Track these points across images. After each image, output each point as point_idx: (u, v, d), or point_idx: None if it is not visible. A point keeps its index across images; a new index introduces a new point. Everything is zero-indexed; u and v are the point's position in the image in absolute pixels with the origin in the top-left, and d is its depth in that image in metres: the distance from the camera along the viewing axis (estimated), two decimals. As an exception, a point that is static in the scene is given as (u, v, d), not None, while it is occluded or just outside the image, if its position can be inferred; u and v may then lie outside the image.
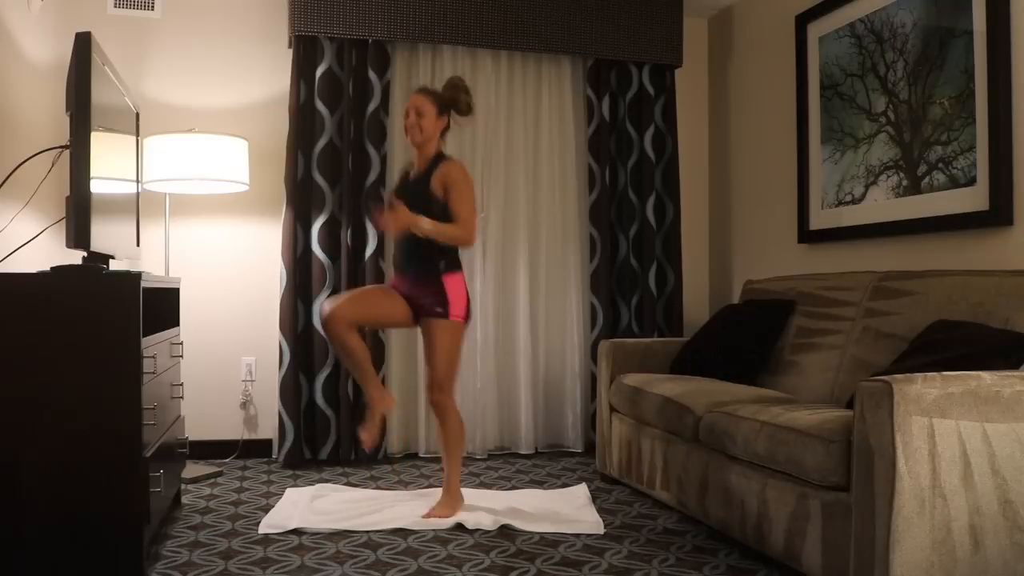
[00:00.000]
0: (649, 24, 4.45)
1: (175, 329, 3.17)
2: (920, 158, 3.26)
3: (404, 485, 3.62)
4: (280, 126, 4.21)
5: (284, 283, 3.95)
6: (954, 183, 3.09)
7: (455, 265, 3.10)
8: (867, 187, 3.55)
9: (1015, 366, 2.26)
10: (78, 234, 2.31)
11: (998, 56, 2.89)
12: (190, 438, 4.05)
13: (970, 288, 2.67)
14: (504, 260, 4.40)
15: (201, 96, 4.14)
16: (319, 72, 4.04)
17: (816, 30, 3.89)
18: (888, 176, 3.43)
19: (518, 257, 4.38)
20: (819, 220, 3.86)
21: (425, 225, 2.96)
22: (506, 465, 4.07)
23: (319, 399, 4.01)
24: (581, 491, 3.45)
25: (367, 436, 3.09)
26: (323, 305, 3.03)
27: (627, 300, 4.47)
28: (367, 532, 2.91)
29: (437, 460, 4.15)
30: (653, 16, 4.45)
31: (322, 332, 3.99)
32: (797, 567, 2.37)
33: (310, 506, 3.16)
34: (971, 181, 3.02)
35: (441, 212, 3.03)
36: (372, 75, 4.08)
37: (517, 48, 4.27)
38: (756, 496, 2.54)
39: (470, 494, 3.37)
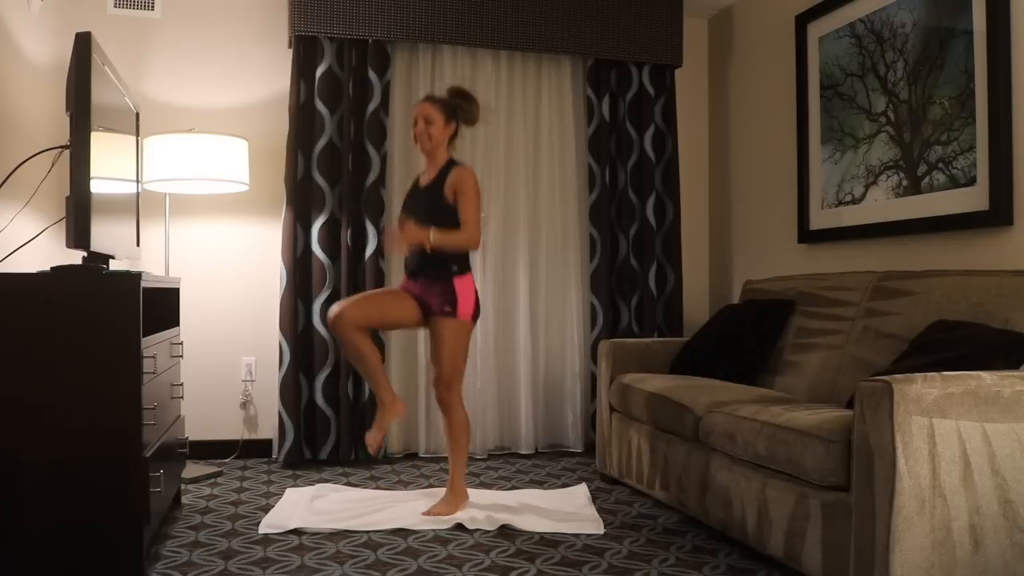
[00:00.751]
0: (649, 24, 4.45)
1: (175, 329, 3.17)
2: (920, 158, 3.26)
3: (404, 485, 3.63)
4: (280, 126, 4.21)
5: (284, 283, 3.95)
6: (954, 183, 3.09)
7: (465, 267, 3.15)
8: (867, 187, 3.55)
9: (1015, 366, 2.26)
10: (78, 234, 2.31)
11: (998, 56, 2.89)
12: (190, 438, 4.06)
13: (970, 288, 2.67)
14: (504, 260, 4.40)
15: (201, 96, 4.14)
16: (319, 72, 4.04)
17: (816, 30, 3.90)
18: (888, 176, 3.43)
19: (518, 257, 4.38)
20: (819, 220, 3.86)
21: (433, 239, 3.02)
22: (506, 465, 4.07)
23: (319, 399, 4.01)
24: (581, 491, 3.45)
25: (373, 440, 3.09)
26: (332, 308, 3.05)
27: (627, 300, 4.47)
28: (367, 532, 2.91)
29: (437, 460, 4.15)
30: (653, 16, 4.45)
31: (324, 333, 4.00)
32: (797, 567, 2.37)
33: (310, 506, 3.17)
34: (971, 181, 3.02)
35: (453, 216, 3.10)
36: (372, 75, 4.09)
37: (517, 48, 4.27)
38: (756, 496, 2.54)
39: (470, 494, 3.37)
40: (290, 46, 4.16)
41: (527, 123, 4.44)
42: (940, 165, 3.16)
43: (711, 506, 2.79)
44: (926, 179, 3.23)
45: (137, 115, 3.25)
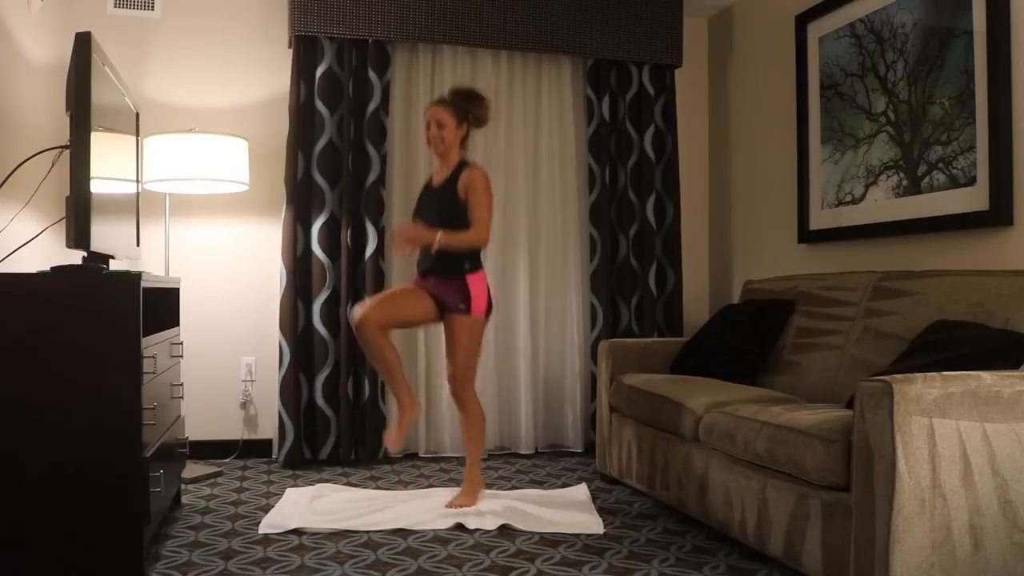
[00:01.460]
0: (649, 24, 4.45)
1: (175, 329, 3.17)
2: (920, 158, 3.26)
3: (404, 485, 3.63)
4: (280, 126, 4.21)
5: (284, 283, 3.95)
6: (954, 183, 3.09)
7: (477, 264, 3.22)
8: (867, 187, 3.55)
9: (1015, 366, 2.26)
10: (78, 234, 2.31)
11: (998, 56, 2.89)
12: (190, 438, 4.05)
13: (970, 288, 2.67)
14: (504, 260, 4.40)
15: (201, 96, 4.14)
16: (319, 72, 4.04)
17: (816, 30, 3.90)
18: (888, 176, 3.43)
19: (518, 257, 4.38)
20: (819, 220, 3.86)
21: (440, 241, 3.10)
22: (506, 465, 4.07)
23: (319, 399, 4.01)
24: (581, 491, 3.45)
25: (393, 441, 3.19)
26: (354, 311, 3.11)
27: (627, 300, 4.47)
28: (367, 532, 2.91)
29: (437, 460, 4.15)
30: (653, 16, 4.45)
31: (324, 333, 4.00)
32: (797, 567, 2.37)
33: (310, 506, 3.17)
34: (971, 181, 3.02)
35: (467, 215, 3.18)
36: (372, 75, 4.08)
37: (517, 48, 4.27)
38: (756, 496, 2.54)
39: (470, 494, 3.38)
40: (290, 46, 4.16)
41: (527, 123, 4.44)
42: (940, 165, 3.16)
43: (711, 506, 2.79)
44: (926, 179, 3.23)
45: (137, 115, 3.25)
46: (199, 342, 4.13)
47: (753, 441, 2.53)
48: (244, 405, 4.18)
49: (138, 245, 3.31)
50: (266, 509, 3.20)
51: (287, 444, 3.94)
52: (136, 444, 2.31)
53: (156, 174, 3.66)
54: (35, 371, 2.24)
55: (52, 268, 2.32)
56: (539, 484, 3.66)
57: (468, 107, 3.26)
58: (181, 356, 3.31)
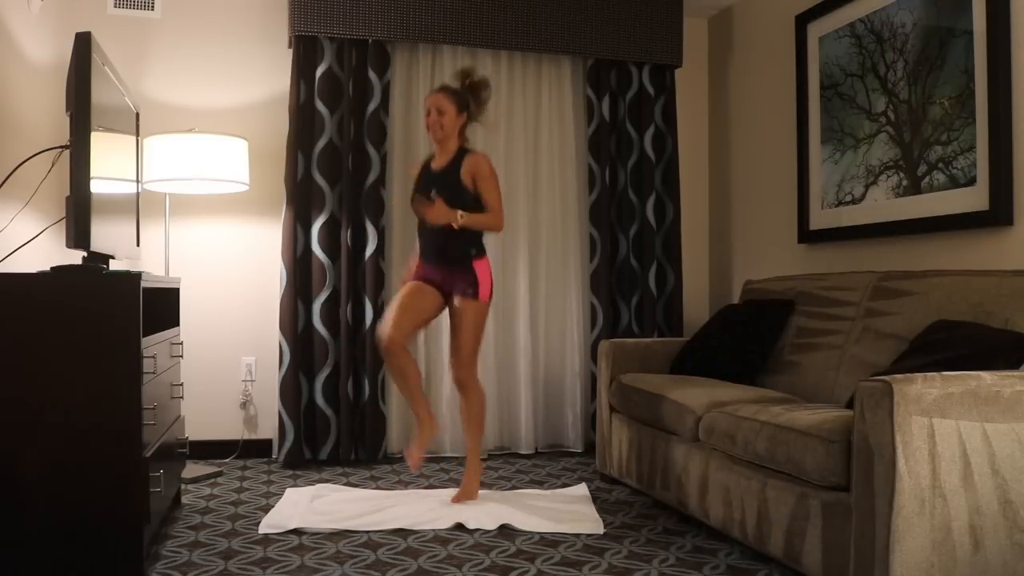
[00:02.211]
0: (649, 24, 4.45)
1: (175, 329, 3.17)
2: (920, 158, 3.26)
3: (404, 485, 3.63)
4: (280, 126, 4.21)
5: (284, 283, 3.95)
6: (954, 183, 3.09)
7: (482, 250, 3.31)
8: (867, 187, 3.55)
9: (1015, 366, 2.26)
10: (78, 234, 2.31)
11: (998, 56, 2.89)
12: (190, 438, 4.06)
13: (970, 288, 2.67)
14: (504, 260, 4.40)
15: (201, 96, 4.14)
16: (319, 72, 4.04)
17: (816, 30, 3.90)
18: (888, 176, 3.43)
19: (518, 257, 4.38)
20: (819, 220, 3.86)
21: (462, 220, 3.18)
22: (506, 465, 4.07)
23: (319, 399, 4.01)
24: (581, 491, 3.45)
25: (414, 460, 3.21)
26: (378, 332, 3.20)
27: (627, 300, 4.47)
28: (367, 532, 2.91)
29: (437, 460, 4.15)
30: (653, 16, 4.45)
31: (324, 333, 4.00)
32: (797, 567, 2.37)
33: (310, 506, 3.17)
34: (971, 181, 3.02)
35: (472, 201, 3.25)
36: (372, 75, 4.09)
37: (517, 48, 4.27)
38: (756, 496, 2.54)
39: (470, 494, 3.38)
40: (290, 46, 4.16)
41: (527, 123, 4.44)
42: (940, 165, 3.16)
43: (711, 506, 2.79)
44: (926, 179, 3.23)
45: (137, 115, 3.25)
46: (199, 342, 4.13)
47: (753, 441, 2.53)
48: (244, 405, 4.18)
49: (138, 245, 3.31)
50: (266, 509, 3.20)
51: (287, 444, 3.94)
52: (136, 444, 2.31)
53: (156, 174, 3.66)
54: (35, 371, 2.24)
55: (52, 268, 2.32)
56: (539, 484, 3.67)
57: (469, 96, 3.33)
58: (181, 356, 3.31)
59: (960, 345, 2.35)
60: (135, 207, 3.22)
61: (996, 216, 2.90)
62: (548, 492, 3.45)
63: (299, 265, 4.02)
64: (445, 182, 3.25)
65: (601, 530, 2.92)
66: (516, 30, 4.26)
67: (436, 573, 2.49)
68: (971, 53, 3.01)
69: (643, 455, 3.30)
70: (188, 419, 4.10)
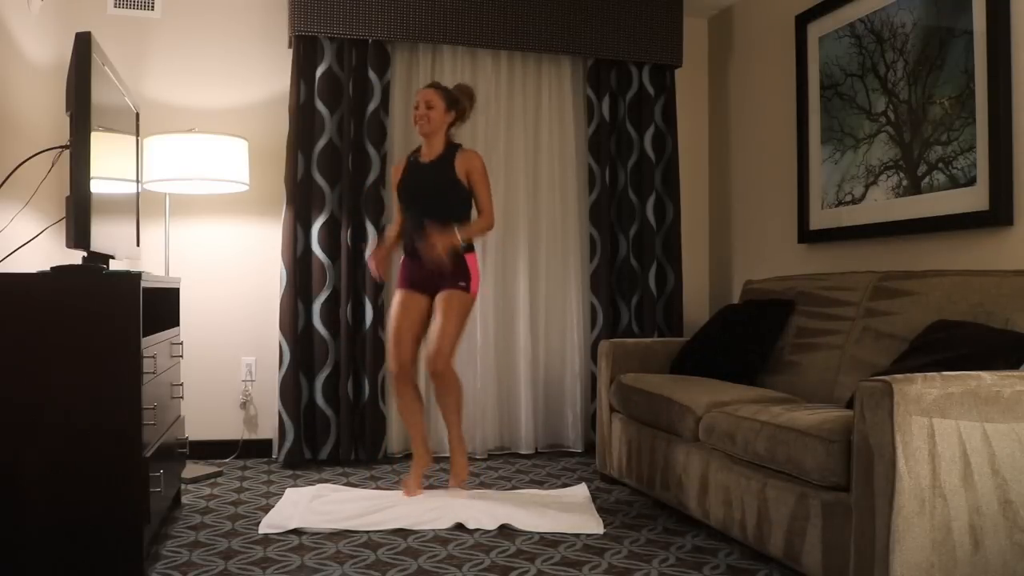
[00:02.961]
0: (649, 24, 4.45)
1: (175, 329, 3.17)
2: (920, 158, 3.26)
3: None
4: (280, 126, 4.21)
5: (284, 283, 3.95)
6: (954, 183, 3.09)
7: (471, 244, 3.40)
8: (867, 187, 3.55)
9: (1015, 366, 2.26)
10: (78, 234, 2.31)
11: (998, 56, 2.89)
12: (190, 438, 4.06)
13: (970, 288, 2.67)
14: (504, 260, 4.40)
15: (201, 96, 4.14)
16: (319, 72, 4.04)
17: (816, 30, 3.90)
18: (888, 176, 3.43)
19: (518, 257, 4.38)
20: (819, 220, 3.86)
21: (461, 237, 3.29)
22: (506, 465, 4.07)
23: (319, 399, 4.01)
24: (581, 491, 3.45)
25: (408, 490, 3.32)
26: (390, 370, 3.42)
27: (627, 300, 4.47)
28: (367, 532, 2.91)
29: (436, 460, 4.15)
30: (653, 16, 4.45)
31: (324, 333, 3.99)
32: (797, 567, 2.37)
33: (310, 506, 3.17)
34: (971, 181, 3.02)
35: (467, 196, 3.37)
36: (372, 75, 4.09)
37: (517, 48, 4.27)
38: (756, 496, 2.54)
39: (470, 494, 3.37)
40: (290, 46, 4.16)
41: (527, 123, 4.44)
42: (940, 165, 3.16)
43: (711, 506, 2.79)
44: (926, 179, 3.23)
45: (137, 115, 3.25)
46: (199, 342, 4.13)
47: (753, 441, 2.53)
48: (244, 405, 4.18)
49: (138, 245, 3.31)
50: (266, 509, 3.20)
51: (287, 444, 3.94)
52: (136, 444, 2.31)
53: (156, 174, 3.66)
54: (35, 371, 2.24)
55: (52, 268, 2.32)
56: (539, 484, 3.66)
57: (459, 97, 3.41)
58: (181, 356, 3.31)
59: (960, 345, 2.35)
60: (135, 207, 3.22)
61: (996, 216, 2.90)
62: (548, 492, 3.45)
63: (299, 265, 4.02)
64: (437, 174, 3.30)
65: (601, 530, 2.92)
66: (516, 30, 4.26)
67: (436, 573, 2.49)
68: (971, 53, 3.01)
69: (643, 455, 3.30)
70: (188, 419, 4.10)
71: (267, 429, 4.19)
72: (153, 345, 2.59)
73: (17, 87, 3.13)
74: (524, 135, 4.42)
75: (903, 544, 1.98)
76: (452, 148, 3.38)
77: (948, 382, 2.03)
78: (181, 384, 3.26)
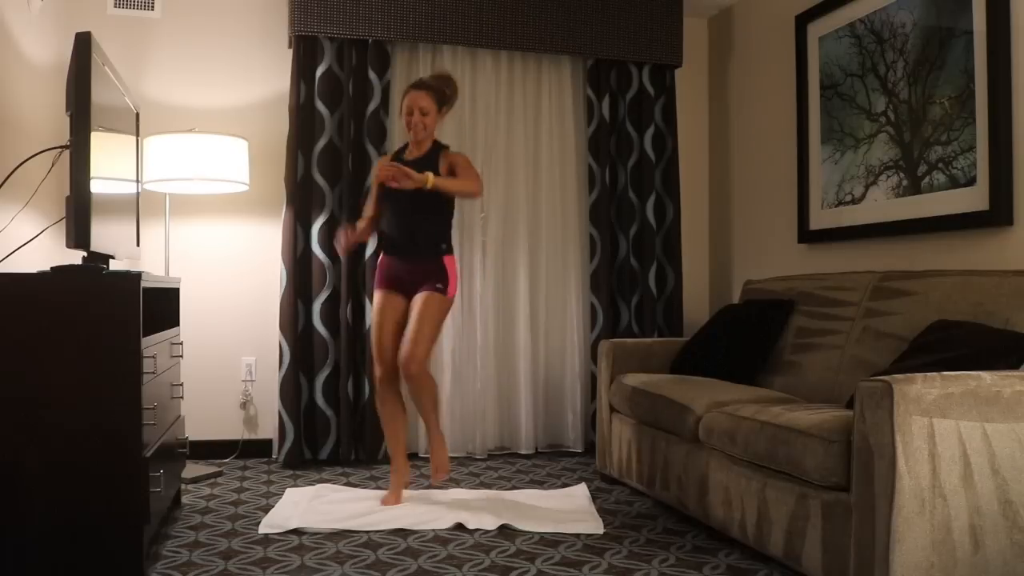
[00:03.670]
0: (649, 24, 4.45)
1: (175, 329, 3.17)
2: (920, 158, 3.26)
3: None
4: (280, 126, 4.21)
5: (284, 283, 3.95)
6: (954, 183, 3.09)
7: (451, 248, 3.35)
8: (867, 187, 3.55)
9: (1015, 366, 2.26)
10: (78, 234, 2.31)
11: (998, 56, 2.89)
12: (190, 438, 4.05)
13: (970, 288, 2.67)
14: (504, 260, 4.40)
15: (201, 96, 4.14)
16: (319, 72, 4.04)
17: (816, 30, 3.89)
18: (888, 176, 3.43)
19: (518, 257, 4.38)
20: (819, 220, 3.86)
21: (434, 180, 3.13)
22: (506, 465, 4.07)
23: (319, 399, 4.01)
24: (581, 491, 3.45)
25: (393, 504, 3.24)
26: (376, 381, 3.34)
27: (627, 300, 4.47)
28: (367, 532, 2.91)
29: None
30: (653, 16, 4.45)
31: (324, 333, 3.99)
32: (797, 567, 2.37)
33: (310, 506, 3.17)
34: (971, 181, 3.02)
35: (450, 197, 3.32)
36: (372, 75, 4.09)
37: (517, 48, 4.27)
38: (756, 496, 2.54)
39: (470, 494, 3.38)
40: (290, 46, 4.16)
41: (527, 123, 4.44)
42: (940, 165, 3.16)
43: (711, 506, 2.79)
44: (926, 179, 3.23)
45: (137, 115, 3.25)
46: (199, 342, 4.13)
47: (753, 441, 2.53)
48: (244, 405, 4.18)
49: (138, 245, 3.31)
50: (266, 509, 3.20)
51: (287, 444, 3.94)
52: (136, 444, 2.31)
53: (156, 174, 3.66)
54: (35, 371, 2.24)
55: (52, 268, 2.32)
56: (539, 484, 3.66)
57: (446, 90, 3.37)
58: (181, 356, 3.31)
59: (960, 345, 2.35)
60: (135, 207, 3.22)
61: (996, 216, 2.90)
62: (548, 492, 3.45)
63: (299, 265, 4.02)
64: (422, 170, 3.26)
65: (601, 530, 2.92)
66: (516, 30, 4.26)
67: (436, 573, 2.49)
68: (971, 53, 3.01)
69: (643, 455, 3.30)
70: (188, 419, 4.10)
71: (267, 429, 4.19)
72: (153, 345, 2.59)
73: (17, 87, 3.13)
74: (524, 135, 4.42)
75: (903, 544, 1.98)
76: (436, 149, 3.35)
77: (948, 382, 2.03)
78: (181, 384, 3.26)
